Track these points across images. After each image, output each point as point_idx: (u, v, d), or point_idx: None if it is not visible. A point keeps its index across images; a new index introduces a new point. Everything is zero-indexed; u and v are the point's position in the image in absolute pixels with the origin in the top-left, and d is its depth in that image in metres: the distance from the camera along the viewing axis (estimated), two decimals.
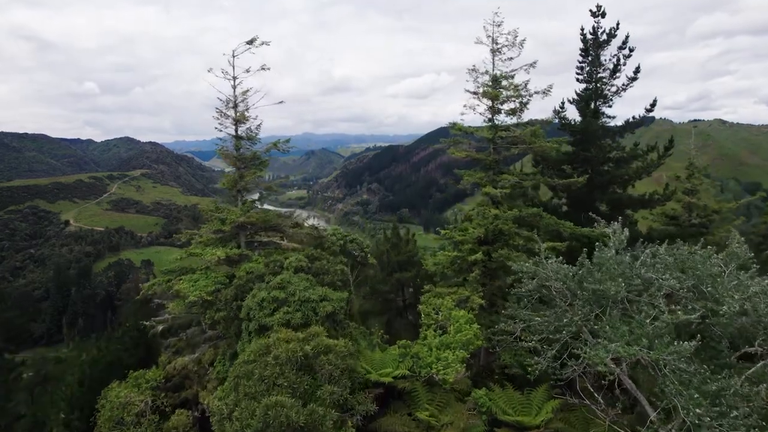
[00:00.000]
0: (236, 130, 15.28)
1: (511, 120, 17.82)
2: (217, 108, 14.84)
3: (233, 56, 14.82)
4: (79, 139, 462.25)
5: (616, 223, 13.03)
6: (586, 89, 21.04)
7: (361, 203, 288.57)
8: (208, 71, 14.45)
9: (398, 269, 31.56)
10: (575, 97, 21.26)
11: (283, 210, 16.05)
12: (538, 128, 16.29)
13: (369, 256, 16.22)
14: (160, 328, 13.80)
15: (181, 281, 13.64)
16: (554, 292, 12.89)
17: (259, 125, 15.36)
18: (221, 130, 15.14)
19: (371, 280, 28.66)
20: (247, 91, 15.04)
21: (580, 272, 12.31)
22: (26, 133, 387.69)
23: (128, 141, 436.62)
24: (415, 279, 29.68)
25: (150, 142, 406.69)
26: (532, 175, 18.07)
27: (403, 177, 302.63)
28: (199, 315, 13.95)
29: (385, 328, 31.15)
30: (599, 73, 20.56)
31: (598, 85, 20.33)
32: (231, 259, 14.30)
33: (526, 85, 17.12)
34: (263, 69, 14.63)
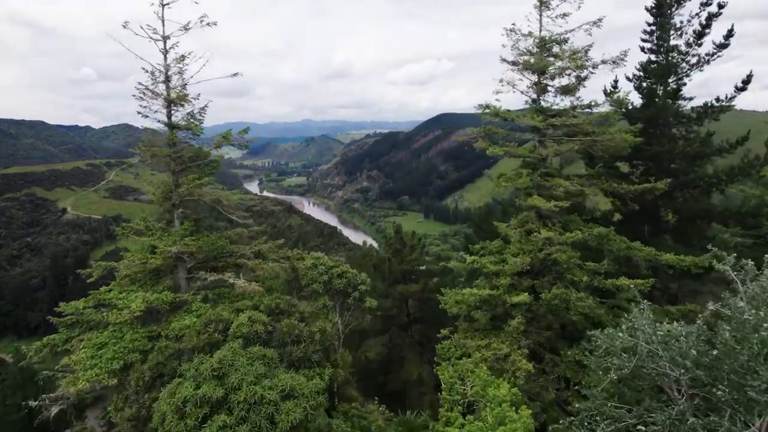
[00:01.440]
0: (169, 116, 10.41)
1: (562, 101, 12.89)
2: (139, 83, 9.95)
3: (162, 5, 9.86)
4: (77, 125, 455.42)
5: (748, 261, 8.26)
6: (650, 62, 15.90)
7: (361, 190, 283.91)
8: (124, 27, 9.51)
9: (402, 280, 27.17)
10: (638, 72, 16.14)
11: (248, 230, 11.21)
12: (612, 112, 11.30)
13: (366, 293, 11.46)
14: (54, 410, 9.24)
15: (82, 345, 8.95)
16: (654, 374, 8.16)
17: (204, 108, 10.47)
18: (146, 116, 10.29)
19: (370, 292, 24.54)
20: (185, 57, 10.10)
21: (715, 351, 7.48)
22: (23, 120, 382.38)
23: (126, 128, 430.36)
24: (422, 292, 25.37)
25: (147, 129, 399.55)
26: (589, 177, 13.17)
27: (403, 164, 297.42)
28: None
29: (387, 348, 26.66)
30: (670, 39, 15.42)
31: (671, 55, 15.20)
32: (155, 309, 9.57)
33: (586, 52, 12.13)
34: (206, 23, 9.69)
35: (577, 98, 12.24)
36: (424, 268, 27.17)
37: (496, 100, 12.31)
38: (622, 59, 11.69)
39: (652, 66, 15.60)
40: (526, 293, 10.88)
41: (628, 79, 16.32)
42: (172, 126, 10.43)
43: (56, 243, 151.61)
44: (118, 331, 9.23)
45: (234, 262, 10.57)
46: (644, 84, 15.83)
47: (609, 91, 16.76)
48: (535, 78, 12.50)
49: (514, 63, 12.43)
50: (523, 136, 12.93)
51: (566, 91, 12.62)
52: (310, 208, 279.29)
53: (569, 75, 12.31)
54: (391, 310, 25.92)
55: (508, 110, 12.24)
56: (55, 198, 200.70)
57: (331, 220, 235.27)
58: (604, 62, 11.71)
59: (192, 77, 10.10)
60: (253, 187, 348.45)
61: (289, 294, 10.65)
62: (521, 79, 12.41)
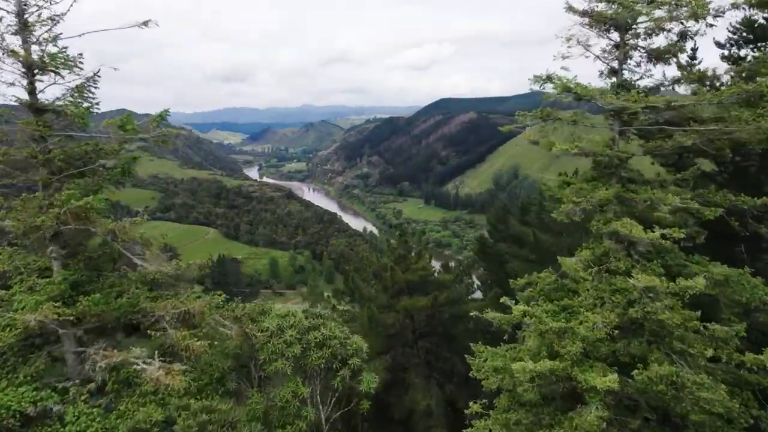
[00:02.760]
0: (32, 90, 6.30)
1: (649, 75, 8.69)
2: None
3: None
4: None
5: None
6: (752, 21, 11.62)
7: (362, 176, 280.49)
8: None
9: (407, 291, 23.30)
10: (732, 35, 11.87)
11: (176, 270, 7.02)
12: (763, 85, 7.04)
13: (363, 369, 7.42)
14: None
15: None
16: None
17: (93, 77, 6.35)
18: None
19: (369, 304, 21.22)
20: None
21: None
22: (4, 104, 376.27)
23: (123, 113, 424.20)
24: (432, 308, 21.75)
25: (146, 115, 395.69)
26: (685, 184, 9.00)
27: (404, 149, 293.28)
28: None
29: (389, 371, 23.10)
30: None
31: None
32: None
33: None
34: None
35: (686, 71, 8.03)
36: (436, 267, 23.77)
37: (562, 68, 8.08)
38: None
39: (758, 25, 11.29)
40: (614, 374, 6.84)
41: (718, 45, 12.02)
42: (37, 108, 6.31)
43: None
44: None
45: (151, 325, 6.55)
46: (743, 52, 11.56)
47: (685, 63, 12.44)
48: (616, 37, 8.27)
49: (585, 13, 8.19)
50: (595, 122, 8.70)
51: (659, 55, 8.40)
52: (309, 193, 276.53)
53: (669, 30, 8.09)
54: (393, 327, 22.21)
55: (581, 84, 7.93)
56: None
57: (330, 206, 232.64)
58: (735, 6, 7.45)
59: (62, 18, 5.86)
60: (252, 172, 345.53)
61: (242, 373, 6.71)
62: (598, 39, 8.17)
